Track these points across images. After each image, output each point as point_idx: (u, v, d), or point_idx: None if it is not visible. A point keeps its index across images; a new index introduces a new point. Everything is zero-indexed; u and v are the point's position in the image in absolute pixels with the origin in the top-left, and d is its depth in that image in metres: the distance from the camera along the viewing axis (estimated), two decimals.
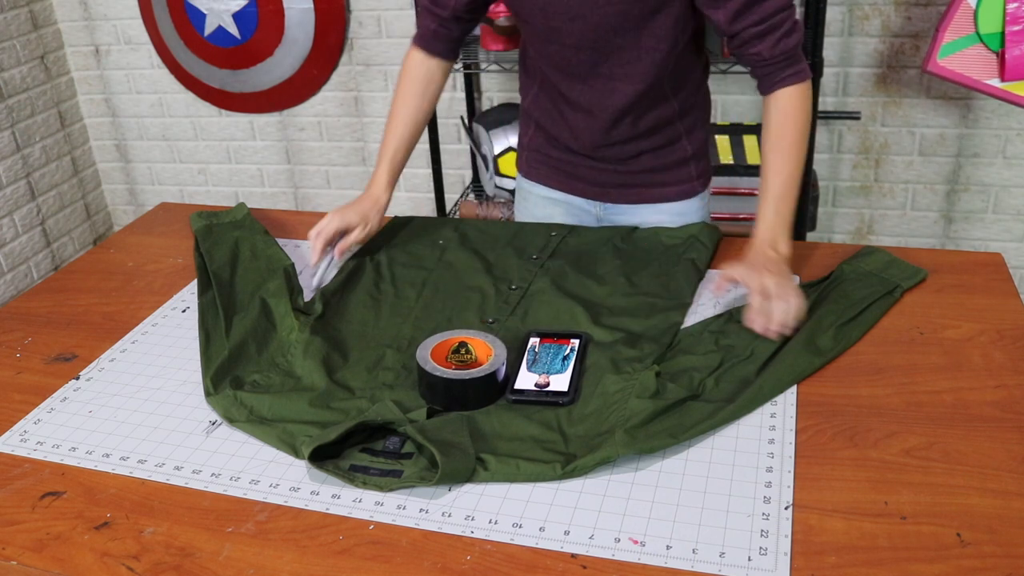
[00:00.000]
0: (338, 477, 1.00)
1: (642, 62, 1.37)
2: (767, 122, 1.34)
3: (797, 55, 1.32)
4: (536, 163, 1.60)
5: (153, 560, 0.92)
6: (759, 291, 1.20)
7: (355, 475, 1.00)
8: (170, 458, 1.07)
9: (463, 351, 1.14)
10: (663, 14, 1.32)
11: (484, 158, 2.49)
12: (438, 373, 1.10)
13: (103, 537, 0.96)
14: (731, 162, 2.32)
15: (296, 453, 1.05)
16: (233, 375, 1.18)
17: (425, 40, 1.50)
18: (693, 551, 0.89)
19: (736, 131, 2.35)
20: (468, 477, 0.99)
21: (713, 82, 2.54)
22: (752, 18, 1.28)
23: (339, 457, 1.04)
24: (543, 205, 1.61)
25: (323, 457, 1.03)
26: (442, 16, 1.47)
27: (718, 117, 2.59)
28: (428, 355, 1.13)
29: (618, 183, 1.54)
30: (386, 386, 1.16)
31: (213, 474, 1.04)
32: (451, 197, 2.86)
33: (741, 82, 2.52)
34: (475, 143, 2.51)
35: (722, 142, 2.34)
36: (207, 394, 1.15)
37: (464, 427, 1.05)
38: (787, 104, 1.32)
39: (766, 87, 1.34)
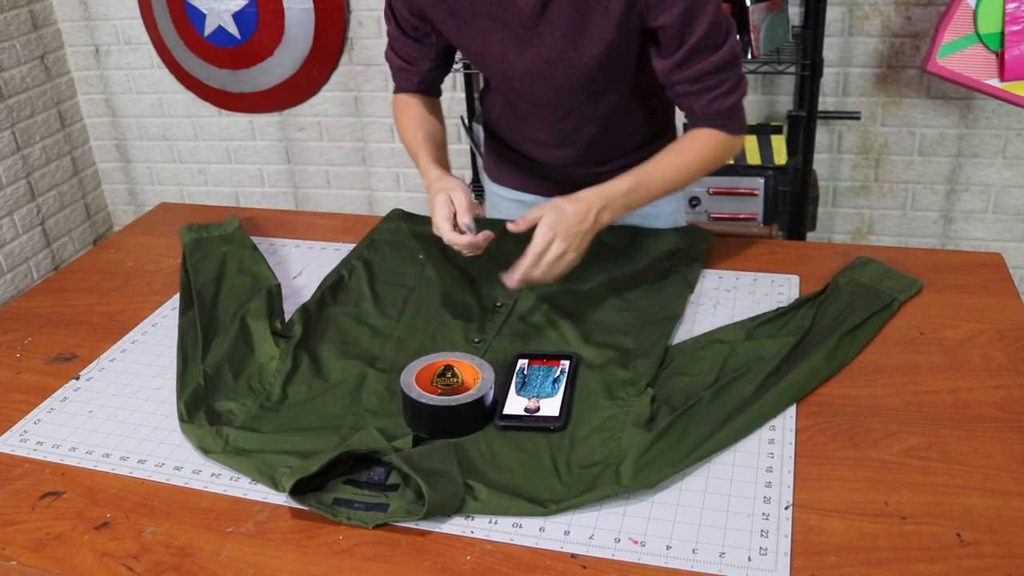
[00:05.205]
0: (322, 512, 0.95)
1: (605, 104, 1.37)
2: (682, 137, 1.31)
3: (730, 115, 1.28)
4: (504, 167, 1.60)
5: (153, 560, 0.92)
6: (540, 248, 1.16)
7: (339, 509, 0.96)
8: (170, 458, 1.07)
9: (449, 375, 1.09)
10: (623, 65, 1.31)
11: (484, 158, 2.48)
12: (423, 400, 1.05)
13: (103, 537, 0.96)
14: (731, 162, 2.32)
15: (276, 485, 1.00)
16: (207, 405, 1.13)
17: (411, 88, 1.48)
18: (693, 551, 0.89)
19: None
20: (457, 508, 0.95)
21: None
22: (688, 73, 1.25)
23: (322, 490, 0.98)
24: (514, 209, 1.60)
25: (305, 490, 0.97)
26: (422, 70, 1.46)
27: None
28: (413, 380, 1.08)
29: (591, 183, 1.53)
30: (369, 412, 1.11)
31: (213, 474, 1.04)
32: None
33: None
34: (475, 143, 2.51)
35: None
36: (180, 420, 1.11)
37: (452, 456, 1.00)
38: (706, 136, 1.29)
39: (691, 125, 1.32)
